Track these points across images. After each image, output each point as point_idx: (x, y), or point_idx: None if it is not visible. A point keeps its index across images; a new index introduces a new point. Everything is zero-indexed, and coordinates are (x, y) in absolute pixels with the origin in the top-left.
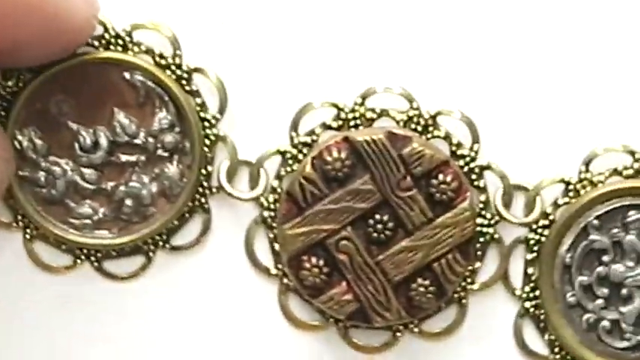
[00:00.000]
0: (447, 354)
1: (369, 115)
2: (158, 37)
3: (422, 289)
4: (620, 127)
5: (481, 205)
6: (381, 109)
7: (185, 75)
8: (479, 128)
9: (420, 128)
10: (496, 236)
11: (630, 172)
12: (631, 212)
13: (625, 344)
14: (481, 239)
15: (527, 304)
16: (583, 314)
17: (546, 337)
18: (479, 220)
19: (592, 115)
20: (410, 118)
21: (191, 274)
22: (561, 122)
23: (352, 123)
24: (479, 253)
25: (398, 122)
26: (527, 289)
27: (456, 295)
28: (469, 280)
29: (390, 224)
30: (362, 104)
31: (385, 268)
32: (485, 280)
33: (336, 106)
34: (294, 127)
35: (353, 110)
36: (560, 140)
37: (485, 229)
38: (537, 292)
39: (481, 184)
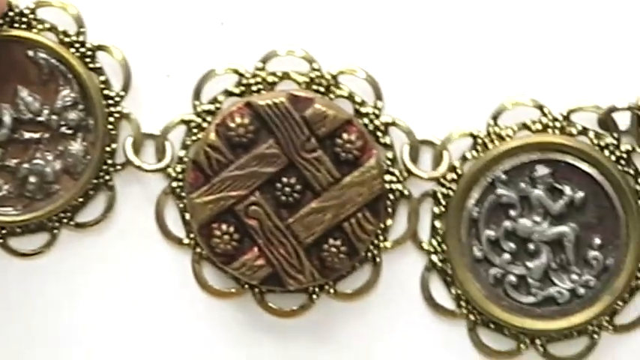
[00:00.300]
0: (362, 312)
1: (270, 79)
2: (62, 15)
3: (334, 249)
4: (529, 81)
5: (388, 162)
6: (282, 73)
7: (89, 53)
8: (383, 85)
9: (322, 89)
10: (405, 192)
11: (539, 126)
12: (538, 167)
13: (531, 299)
14: (390, 196)
15: (435, 258)
16: (489, 269)
17: (453, 291)
18: (387, 177)
19: (500, 68)
20: (312, 80)
21: (101, 249)
22: (469, 76)
23: (254, 88)
24: (389, 210)
25: (300, 84)
26: (434, 242)
27: (369, 254)
28: (381, 237)
29: (298, 187)
30: (263, 69)
31: (296, 230)
32: (397, 237)
33: (237, 71)
34: (197, 95)
35: (254, 75)
36: (468, 95)
37: (394, 186)
38: (444, 247)
39: (387, 140)
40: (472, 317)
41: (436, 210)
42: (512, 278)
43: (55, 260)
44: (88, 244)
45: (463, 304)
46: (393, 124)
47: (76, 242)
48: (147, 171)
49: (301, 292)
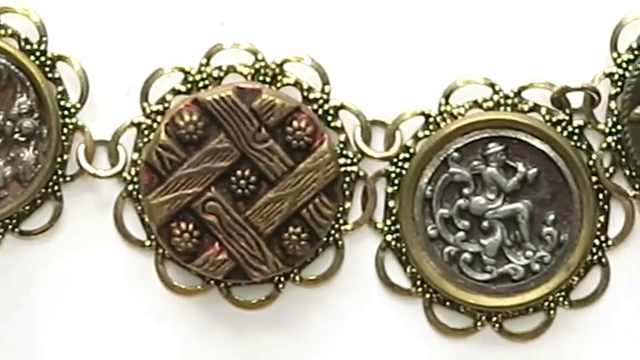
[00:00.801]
0: (327, 297)
1: (216, 73)
2: (25, 22)
3: (294, 237)
4: (481, 59)
5: (341, 146)
6: (227, 66)
7: (49, 62)
8: (330, 70)
9: (268, 79)
10: (361, 174)
11: (490, 104)
12: (491, 144)
13: (486, 276)
14: (346, 179)
15: (389, 238)
16: (444, 247)
17: (408, 270)
18: (341, 161)
19: (451, 46)
20: (257, 71)
21: (52, 257)
22: (420, 56)
23: (201, 84)
24: (346, 193)
25: (246, 76)
26: (388, 222)
27: (330, 239)
28: (341, 221)
29: (253, 178)
30: (207, 64)
31: (254, 222)
32: (357, 219)
33: (182, 69)
34: (144, 96)
35: (200, 71)
36: (419, 74)
37: (349, 169)
38: (398, 226)
39: (338, 124)
40: (428, 296)
41: (389, 189)
42: (467, 256)
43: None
44: (37, 251)
45: (418, 282)
46: (343, 107)
47: (23, 249)
48: (102, 177)
49: (267, 282)
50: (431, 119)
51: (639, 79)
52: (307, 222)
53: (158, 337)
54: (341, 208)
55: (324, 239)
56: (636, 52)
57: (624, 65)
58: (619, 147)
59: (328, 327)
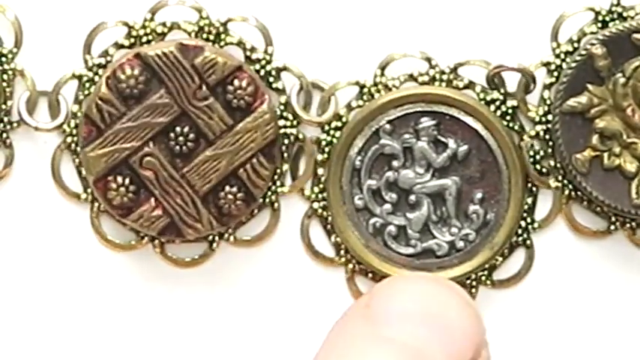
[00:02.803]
0: (260, 258)
1: (160, 29)
2: None
3: (230, 196)
4: (418, 33)
5: (281, 107)
6: (171, 23)
7: None
8: (274, 32)
9: (212, 37)
10: (300, 136)
11: (425, 78)
12: (423, 119)
13: (410, 250)
14: (285, 141)
15: (315, 205)
16: (370, 218)
17: (333, 239)
18: (281, 123)
19: (389, 19)
20: (201, 28)
21: None
22: (361, 26)
23: (144, 39)
24: (285, 155)
25: (189, 34)
26: (316, 190)
27: (267, 200)
28: (278, 183)
29: (191, 135)
30: (152, 19)
31: (191, 179)
32: (295, 182)
33: (126, 24)
34: (87, 49)
35: (143, 26)
36: (359, 44)
37: (288, 131)
38: (326, 194)
39: (279, 85)
40: (350, 266)
41: (319, 157)
42: (392, 229)
43: None
44: None
45: (342, 252)
46: (285, 69)
47: None
48: (42, 130)
49: (201, 241)
50: (365, 90)
51: (576, 71)
52: (244, 182)
53: (91, 291)
54: (278, 170)
55: (260, 200)
56: (576, 45)
57: (562, 56)
58: (547, 137)
59: (256, 288)
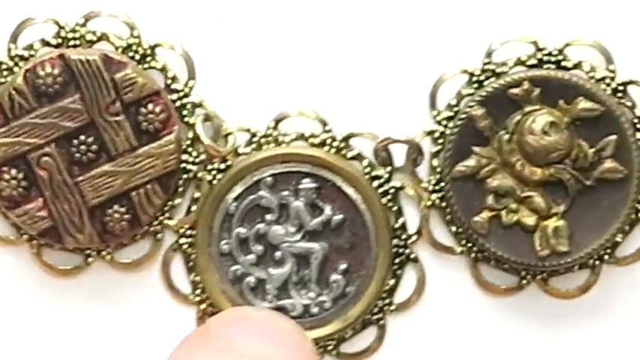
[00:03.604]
0: (128, 282)
1: (89, 37)
2: None
3: (117, 215)
4: (311, 92)
5: (188, 142)
6: (102, 33)
7: None
8: (200, 66)
9: (137, 56)
10: (200, 175)
11: (316, 140)
12: (305, 180)
13: (265, 305)
14: (184, 175)
15: (182, 240)
16: (232, 265)
17: (192, 277)
18: (184, 156)
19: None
20: (129, 46)
21: None
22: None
23: (71, 43)
24: (180, 189)
25: (117, 48)
26: (186, 226)
27: (152, 229)
28: (167, 215)
29: (94, 147)
30: (84, 25)
31: (83, 189)
32: (182, 217)
33: (57, 23)
34: (13, 39)
35: (74, 30)
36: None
37: (189, 166)
38: (195, 232)
39: (191, 120)
40: (203, 306)
41: (196, 194)
42: (252, 280)
43: None
44: None
45: (198, 292)
46: (200, 105)
47: None
48: None
49: (79, 252)
50: (255, 139)
51: (459, 136)
52: (134, 205)
53: None
54: (170, 202)
55: (146, 227)
56: (455, 109)
57: (444, 122)
58: (444, 204)
59: (112, 309)
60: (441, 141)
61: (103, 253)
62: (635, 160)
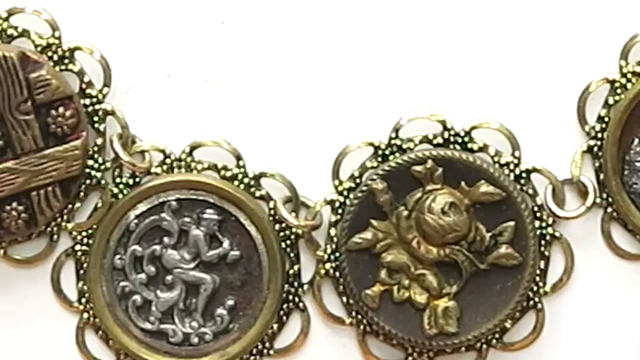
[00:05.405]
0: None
1: (10, 32)
2: None
3: (14, 213)
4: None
5: (95, 149)
6: (23, 29)
7: None
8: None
9: (56, 57)
10: (102, 182)
11: (228, 174)
12: (210, 211)
13: (147, 326)
14: (87, 181)
15: (78, 247)
16: (122, 280)
17: (80, 285)
18: (89, 162)
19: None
20: (49, 46)
21: None
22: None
23: None
24: (81, 194)
25: (36, 46)
26: (84, 233)
27: (48, 230)
28: (65, 217)
29: (0, 142)
30: (6, 19)
31: None
32: (81, 223)
33: None
34: None
35: None
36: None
37: (93, 173)
38: (91, 241)
39: (101, 128)
40: (86, 316)
41: (99, 203)
42: (138, 299)
43: None
44: None
45: (84, 300)
46: (112, 113)
47: None
48: None
49: None
50: (168, 160)
51: (358, 208)
52: (33, 205)
53: None
54: (70, 206)
55: (42, 228)
56: (357, 181)
57: (345, 193)
58: (337, 274)
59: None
60: (340, 211)
61: None
62: (531, 247)
